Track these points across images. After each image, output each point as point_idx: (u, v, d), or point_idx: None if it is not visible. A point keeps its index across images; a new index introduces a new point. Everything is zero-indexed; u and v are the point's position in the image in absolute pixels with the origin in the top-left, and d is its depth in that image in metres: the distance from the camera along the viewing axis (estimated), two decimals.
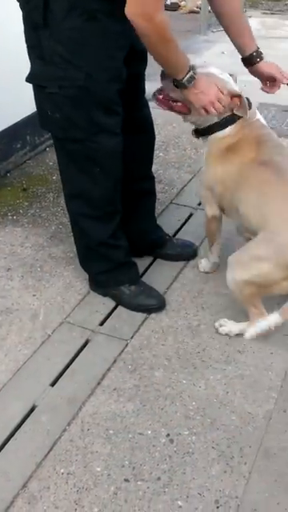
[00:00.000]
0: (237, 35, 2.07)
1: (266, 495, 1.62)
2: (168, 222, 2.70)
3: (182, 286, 2.37)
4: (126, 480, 1.65)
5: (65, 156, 2.01)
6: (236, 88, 2.01)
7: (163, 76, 1.95)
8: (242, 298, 2.03)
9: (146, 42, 1.71)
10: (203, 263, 2.41)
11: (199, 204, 2.84)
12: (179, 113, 2.04)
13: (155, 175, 2.79)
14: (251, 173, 1.99)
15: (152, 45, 1.71)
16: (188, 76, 1.81)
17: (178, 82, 1.83)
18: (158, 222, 2.54)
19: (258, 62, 2.08)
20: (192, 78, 1.83)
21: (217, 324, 2.13)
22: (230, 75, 2.04)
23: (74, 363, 2.03)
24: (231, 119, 2.04)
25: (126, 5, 1.62)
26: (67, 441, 1.76)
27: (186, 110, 2.01)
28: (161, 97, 2.02)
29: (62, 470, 1.68)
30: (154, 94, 2.02)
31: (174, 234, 2.65)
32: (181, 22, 5.66)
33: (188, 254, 2.51)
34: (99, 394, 1.91)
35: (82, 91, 1.82)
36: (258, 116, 2.10)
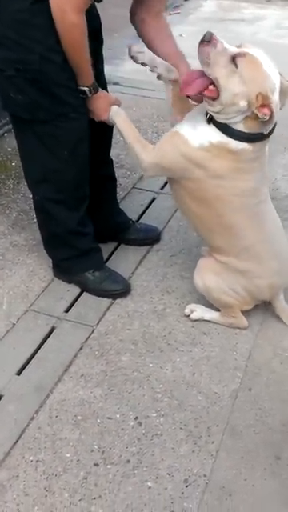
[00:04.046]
0: (166, 59, 1.96)
1: (234, 472, 1.66)
2: (131, 207, 2.69)
3: (146, 271, 2.37)
4: (96, 464, 1.66)
5: (33, 139, 1.98)
6: (274, 95, 1.69)
7: (207, 41, 1.67)
8: (216, 303, 2.09)
9: (59, 36, 1.75)
10: None
11: (162, 188, 2.84)
12: (208, 97, 1.73)
13: (117, 160, 2.78)
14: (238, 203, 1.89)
15: (62, 40, 1.76)
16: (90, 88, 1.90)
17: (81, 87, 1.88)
18: (120, 207, 2.53)
19: None
20: (90, 92, 1.90)
21: (187, 310, 2.15)
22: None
23: (40, 351, 2.01)
24: (256, 137, 1.77)
25: None
26: (35, 429, 1.75)
27: (215, 93, 1.71)
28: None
29: (30, 458, 1.67)
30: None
31: (138, 219, 2.65)
32: None
33: (152, 238, 2.52)
34: (66, 380, 1.91)
35: (40, 73, 1.80)
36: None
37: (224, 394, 1.87)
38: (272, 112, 1.67)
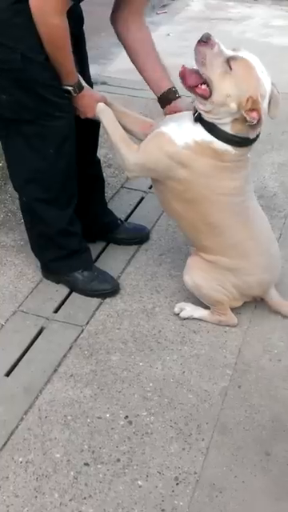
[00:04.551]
0: (151, 72, 2.01)
1: (224, 469, 1.66)
2: (119, 207, 2.69)
3: (135, 270, 2.37)
4: (86, 464, 1.66)
5: (18, 139, 1.97)
6: (264, 101, 1.73)
7: (205, 42, 1.70)
8: (205, 300, 2.09)
9: (41, 37, 1.74)
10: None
11: (150, 187, 2.84)
12: (199, 95, 1.77)
13: (105, 160, 2.79)
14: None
15: (45, 42, 1.75)
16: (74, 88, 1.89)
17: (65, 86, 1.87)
18: (109, 207, 2.53)
19: (175, 98, 1.99)
20: (75, 91, 1.89)
21: (177, 308, 2.15)
22: None
23: (29, 352, 2.00)
24: (240, 141, 1.80)
25: None
26: (25, 430, 1.74)
27: (207, 93, 1.74)
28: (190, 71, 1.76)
29: (20, 459, 1.66)
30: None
31: (126, 218, 2.65)
32: None
33: (140, 237, 2.52)
34: (56, 381, 1.90)
35: (23, 73, 1.80)
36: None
37: (214, 392, 1.87)
38: (260, 117, 1.70)
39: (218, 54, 1.71)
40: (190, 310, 2.14)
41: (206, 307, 2.12)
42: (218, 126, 1.79)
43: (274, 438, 1.74)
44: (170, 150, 1.85)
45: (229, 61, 1.70)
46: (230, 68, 1.70)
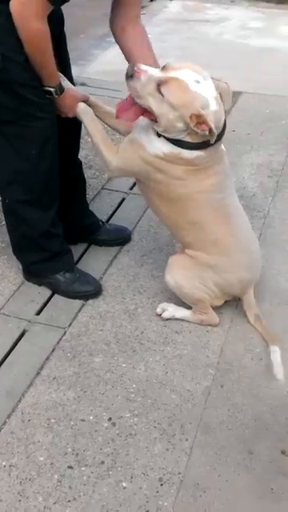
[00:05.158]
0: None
1: (208, 468, 1.67)
2: (100, 208, 2.69)
3: (117, 271, 2.37)
4: (70, 467, 1.65)
5: (0, 139, 1.96)
6: (209, 108, 1.72)
7: (131, 76, 1.72)
8: (187, 299, 2.10)
9: (22, 41, 1.74)
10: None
11: (131, 188, 2.85)
12: (148, 119, 1.81)
13: (85, 161, 2.78)
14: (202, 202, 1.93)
15: (26, 47, 1.75)
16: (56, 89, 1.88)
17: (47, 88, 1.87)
18: (90, 208, 2.52)
19: None
20: (56, 93, 1.89)
21: (159, 309, 2.16)
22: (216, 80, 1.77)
23: (10, 355, 1.99)
24: (206, 144, 1.81)
25: (11, 1, 1.67)
26: (8, 433, 1.73)
27: (153, 117, 1.78)
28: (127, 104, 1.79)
29: (3, 463, 1.65)
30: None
31: (107, 220, 2.65)
32: (98, 3, 5.59)
33: (122, 238, 2.52)
34: (39, 384, 1.89)
35: (3, 73, 1.79)
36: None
37: (197, 392, 1.88)
38: (210, 126, 1.72)
39: (147, 82, 1.71)
40: (172, 310, 2.15)
41: (188, 307, 2.13)
42: (180, 138, 1.81)
43: (256, 436, 1.76)
44: (144, 155, 1.88)
45: (159, 87, 1.70)
46: (162, 95, 1.70)
